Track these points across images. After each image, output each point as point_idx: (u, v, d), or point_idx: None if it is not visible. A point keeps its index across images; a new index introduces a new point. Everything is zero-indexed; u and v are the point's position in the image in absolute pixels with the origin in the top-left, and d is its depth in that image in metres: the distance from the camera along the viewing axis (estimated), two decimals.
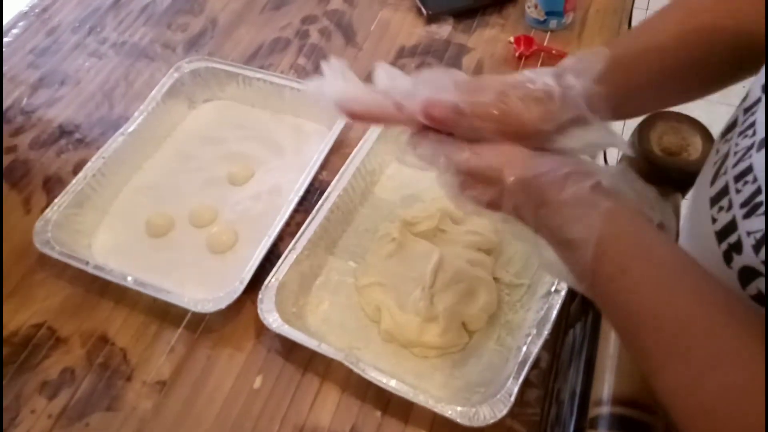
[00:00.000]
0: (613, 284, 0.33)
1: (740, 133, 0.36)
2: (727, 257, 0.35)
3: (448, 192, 0.40)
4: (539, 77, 0.38)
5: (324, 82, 0.41)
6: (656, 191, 0.37)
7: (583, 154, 0.40)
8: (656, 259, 0.33)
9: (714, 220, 0.37)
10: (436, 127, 0.39)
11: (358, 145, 0.66)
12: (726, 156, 0.38)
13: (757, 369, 0.28)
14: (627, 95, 0.41)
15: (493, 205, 0.38)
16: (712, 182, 0.38)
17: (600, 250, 0.33)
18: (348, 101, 0.40)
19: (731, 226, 0.34)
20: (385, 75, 0.42)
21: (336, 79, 0.41)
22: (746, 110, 0.37)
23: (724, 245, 0.35)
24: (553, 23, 0.81)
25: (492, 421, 0.48)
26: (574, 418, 0.53)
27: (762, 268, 0.32)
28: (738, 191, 0.34)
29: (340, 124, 0.69)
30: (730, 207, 0.35)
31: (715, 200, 0.37)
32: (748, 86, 0.39)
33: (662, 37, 0.42)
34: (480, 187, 0.38)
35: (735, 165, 0.35)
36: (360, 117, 0.41)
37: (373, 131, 0.67)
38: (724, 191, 0.36)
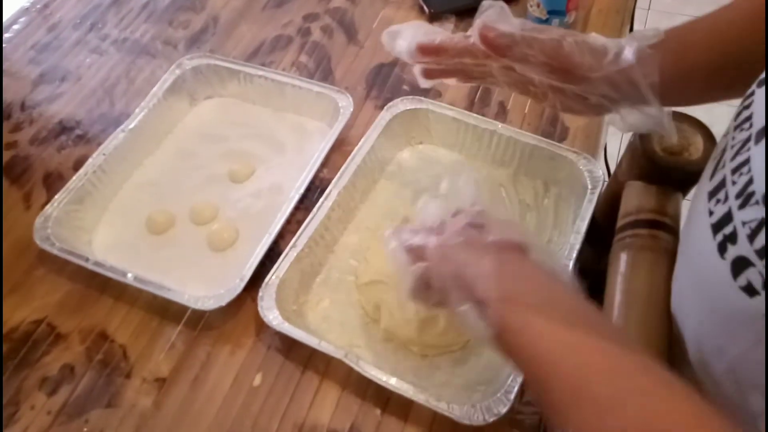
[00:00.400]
0: (518, 338, 0.35)
1: (736, 127, 0.37)
2: (722, 248, 0.35)
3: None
4: (596, 38, 0.42)
5: (405, 27, 0.47)
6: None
7: (625, 110, 0.45)
8: (560, 312, 0.35)
9: (710, 213, 0.37)
10: (492, 53, 0.44)
11: (360, 143, 0.66)
12: (724, 150, 0.38)
13: (654, 408, 0.28)
14: (679, 75, 0.43)
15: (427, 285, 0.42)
16: (711, 177, 0.39)
17: (506, 306, 0.35)
18: (425, 39, 0.46)
19: (727, 218, 0.35)
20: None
21: (416, 26, 0.47)
22: (740, 103, 0.37)
23: (719, 236, 0.35)
24: (555, 22, 0.81)
25: (492, 419, 0.48)
26: None
27: (755, 258, 0.32)
28: (734, 183, 0.35)
29: (341, 122, 0.69)
30: (726, 199, 0.35)
31: (712, 194, 0.37)
32: None
33: (724, 18, 0.43)
34: (416, 262, 0.42)
35: (732, 158, 0.36)
36: (435, 51, 0.46)
37: (375, 129, 0.67)
38: (722, 184, 0.36)
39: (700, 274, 0.39)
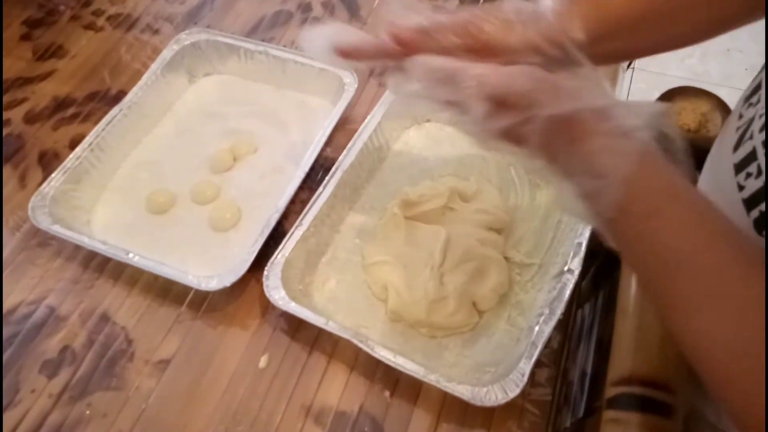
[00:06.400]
0: (644, 223, 0.32)
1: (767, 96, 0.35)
2: (758, 225, 0.34)
3: (464, 125, 0.37)
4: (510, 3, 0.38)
5: (321, 29, 0.43)
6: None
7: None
8: (689, 203, 0.32)
9: (741, 188, 0.35)
10: (407, 51, 0.40)
11: (365, 121, 0.64)
12: (751, 120, 0.36)
13: None
14: (601, 28, 0.39)
15: (519, 139, 0.35)
16: (736, 148, 0.37)
17: (632, 188, 0.32)
18: (341, 40, 0.42)
19: (762, 194, 0.33)
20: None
21: (332, 27, 0.43)
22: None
23: (755, 213, 0.34)
24: None
25: (504, 401, 0.47)
26: (584, 398, 0.53)
27: None
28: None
29: (345, 99, 0.67)
30: (759, 173, 0.34)
31: (740, 167, 0.36)
32: None
33: None
34: (507, 116, 0.34)
35: (762, 129, 0.34)
36: (351, 54, 0.42)
37: (380, 107, 0.65)
38: (752, 157, 0.35)
39: None
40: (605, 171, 0.32)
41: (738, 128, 0.38)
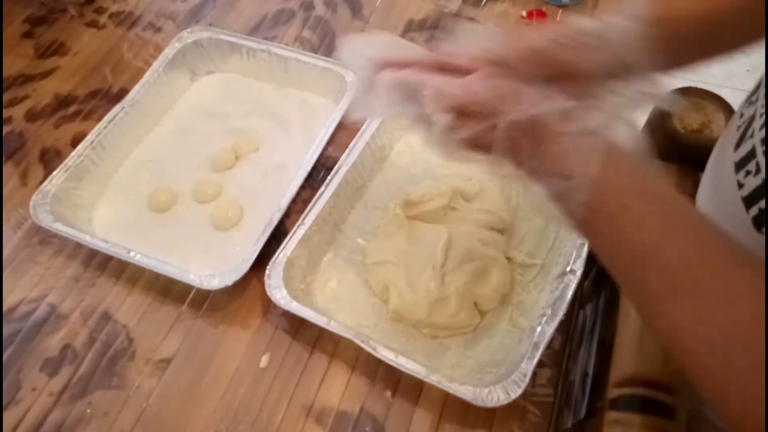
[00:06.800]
0: (614, 221, 0.32)
1: (766, 95, 0.35)
2: (758, 222, 0.34)
3: (430, 138, 0.37)
4: (579, 21, 0.36)
5: (368, 39, 0.40)
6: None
7: (630, 102, 0.38)
8: (657, 198, 0.32)
9: (740, 186, 0.35)
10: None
11: (367, 121, 0.64)
12: (752, 119, 0.36)
13: (764, 305, 0.27)
14: (669, 38, 0.38)
15: (484, 147, 0.35)
16: (737, 147, 0.37)
17: (600, 187, 0.32)
18: (393, 55, 0.38)
19: (761, 191, 0.33)
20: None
21: (381, 38, 0.40)
22: None
23: (754, 210, 0.34)
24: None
25: (506, 402, 0.47)
26: (586, 400, 0.53)
27: None
28: (766, 153, 0.33)
29: (347, 98, 0.67)
30: (758, 171, 0.34)
31: (740, 165, 0.36)
32: None
33: None
34: (470, 125, 0.35)
35: (762, 127, 0.34)
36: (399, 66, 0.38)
37: None
38: (751, 155, 0.35)
39: None
40: (572, 172, 0.32)
41: (739, 127, 0.38)
